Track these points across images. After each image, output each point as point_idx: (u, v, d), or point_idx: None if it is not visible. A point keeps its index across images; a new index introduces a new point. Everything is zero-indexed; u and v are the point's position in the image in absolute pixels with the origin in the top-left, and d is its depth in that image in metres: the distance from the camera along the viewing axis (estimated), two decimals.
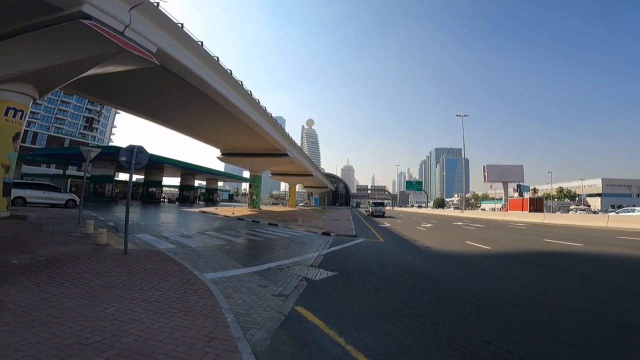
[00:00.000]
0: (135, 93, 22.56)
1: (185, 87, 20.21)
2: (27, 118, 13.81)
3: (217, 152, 43.36)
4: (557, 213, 42.47)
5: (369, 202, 49.29)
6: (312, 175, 68.75)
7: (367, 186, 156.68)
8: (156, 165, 44.63)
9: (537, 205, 44.24)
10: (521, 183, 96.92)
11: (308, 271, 7.06)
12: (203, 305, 4.21)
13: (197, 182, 72.39)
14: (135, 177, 58.40)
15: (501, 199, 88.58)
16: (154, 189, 51.29)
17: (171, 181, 75.47)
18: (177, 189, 70.09)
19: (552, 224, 25.68)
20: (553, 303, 5.02)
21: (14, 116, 12.76)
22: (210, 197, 66.58)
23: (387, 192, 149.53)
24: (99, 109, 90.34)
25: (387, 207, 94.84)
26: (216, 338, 3.27)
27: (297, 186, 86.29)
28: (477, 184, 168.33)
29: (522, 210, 41.13)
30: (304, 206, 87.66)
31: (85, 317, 3.53)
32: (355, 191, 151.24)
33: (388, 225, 23.72)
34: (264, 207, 50.94)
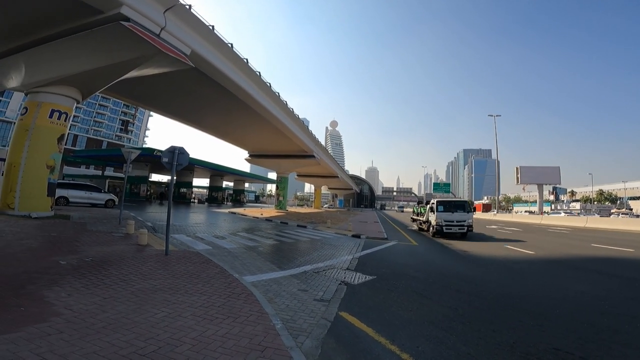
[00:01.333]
0: (168, 95, 23.43)
1: (215, 89, 20.72)
2: (70, 120, 14.59)
3: (244, 153, 44.21)
4: (596, 216, 39.96)
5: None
6: (337, 176, 68.51)
7: (392, 188, 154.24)
8: (188, 166, 45.95)
9: (487, 208, 75.41)
10: (557, 185, 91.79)
11: (345, 275, 6.91)
12: (249, 310, 4.17)
13: (224, 184, 74.18)
14: (166, 179, 60.68)
15: (535, 201, 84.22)
16: (184, 189, 53.02)
17: (200, 182, 77.82)
18: (206, 190, 72.12)
19: (595, 228, 24.03)
20: (617, 310, 4.62)
21: (59, 118, 13.43)
22: (237, 198, 67.96)
23: (414, 194, 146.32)
24: (134, 112, 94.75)
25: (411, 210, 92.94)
26: (269, 347, 3.19)
27: (322, 188, 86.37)
28: (508, 186, 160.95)
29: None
30: (329, 208, 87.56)
31: (137, 323, 3.55)
32: (380, 193, 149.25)
33: (417, 228, 23.08)
34: (289, 209, 51.31)
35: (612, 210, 73.40)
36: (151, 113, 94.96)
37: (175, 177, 8.55)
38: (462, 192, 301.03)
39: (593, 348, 3.29)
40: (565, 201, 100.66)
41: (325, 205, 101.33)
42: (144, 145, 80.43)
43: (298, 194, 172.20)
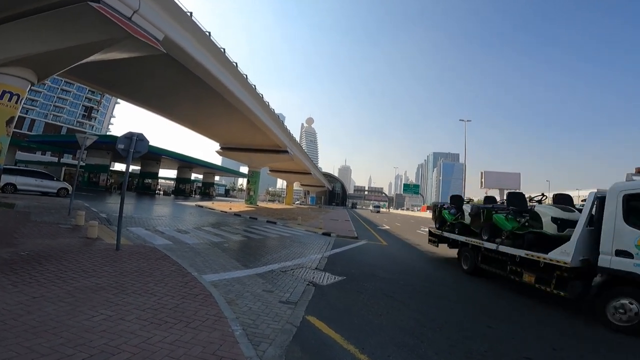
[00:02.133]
0: (137, 82, 22.00)
1: (189, 77, 19.76)
2: (23, 103, 13.31)
3: (215, 146, 42.77)
4: None
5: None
6: (310, 173, 68.26)
7: (364, 187, 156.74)
8: (153, 156, 43.88)
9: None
10: (517, 191, 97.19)
11: (314, 275, 6.62)
12: (206, 314, 3.74)
13: (193, 176, 71.59)
14: (130, 168, 57.58)
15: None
16: (149, 180, 50.49)
17: (167, 173, 74.57)
18: (173, 182, 69.29)
19: None
20: (584, 317, 4.63)
21: (9, 100, 12.28)
22: (206, 191, 65.82)
23: (384, 194, 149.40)
24: (99, 99, 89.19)
25: (384, 210, 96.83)
26: (225, 357, 2.81)
27: (294, 184, 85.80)
28: (474, 190, 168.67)
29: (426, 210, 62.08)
30: (300, 204, 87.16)
31: (68, 327, 3.04)
32: (352, 191, 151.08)
33: (388, 227, 23.36)
34: (260, 204, 50.36)
35: None
36: (118, 100, 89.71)
37: (131, 165, 7.82)
38: (430, 194, 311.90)
39: (565, 357, 3.26)
40: None
41: (297, 202, 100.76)
42: (108, 133, 75.62)
43: (270, 189, 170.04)
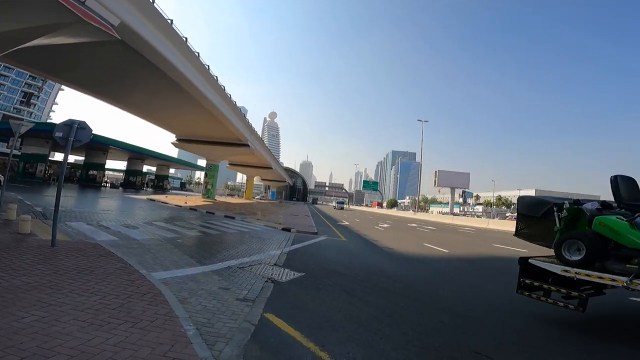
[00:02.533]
0: (85, 68, 20.08)
1: (145, 66, 18.46)
2: None
3: (171, 137, 40.56)
4: (496, 219, 46.37)
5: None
6: (271, 168, 67.42)
7: (325, 183, 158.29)
8: (99, 146, 40.49)
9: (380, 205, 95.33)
10: (466, 189, 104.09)
11: (273, 271, 6.50)
12: (155, 313, 3.48)
13: (146, 168, 67.41)
14: (73, 158, 52.70)
15: (448, 203, 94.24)
16: (95, 172, 46.58)
17: (116, 165, 69.47)
18: (122, 174, 64.73)
19: (495, 229, 27.55)
20: (525, 310, 5.01)
21: None
22: (159, 184, 62.33)
23: (344, 190, 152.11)
24: (40, 85, 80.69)
25: (345, 206, 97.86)
26: (177, 359, 2.62)
27: (254, 178, 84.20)
28: (427, 188, 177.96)
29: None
30: (260, 199, 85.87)
31: None
32: (313, 187, 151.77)
33: (347, 223, 23.76)
34: (219, 198, 48.78)
35: (506, 214, 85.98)
36: (62, 87, 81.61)
37: (71, 157, 7.11)
38: (388, 191, 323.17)
39: (509, 352, 3.44)
40: (471, 204, 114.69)
41: (257, 197, 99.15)
42: (49, 121, 68.49)
43: (229, 183, 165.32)
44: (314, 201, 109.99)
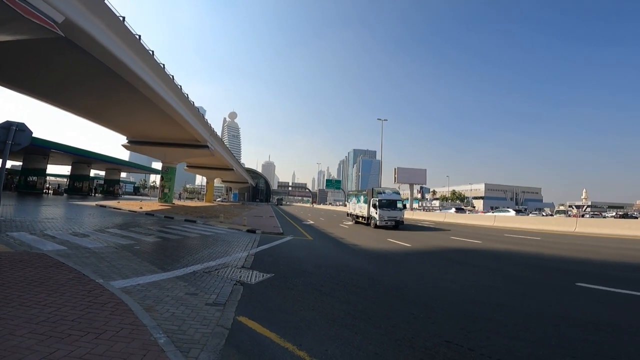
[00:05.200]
0: (24, 68, 18.16)
1: (93, 65, 17.13)
2: None
3: (122, 139, 37.90)
4: (451, 212, 49.14)
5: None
6: (232, 169, 65.62)
7: (288, 183, 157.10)
8: (39, 150, 36.68)
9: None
10: (424, 185, 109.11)
11: (241, 273, 6.34)
12: (119, 323, 3.24)
13: (93, 172, 62.48)
14: (10, 164, 47.37)
15: (407, 199, 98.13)
16: (34, 178, 42.21)
17: (59, 170, 63.66)
18: (66, 179, 59.37)
19: (452, 222, 29.18)
20: (483, 298, 5.35)
21: None
22: (110, 189, 58.03)
23: (308, 189, 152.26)
24: None
25: (308, 205, 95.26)
26: None
27: (215, 180, 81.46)
28: (387, 185, 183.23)
29: None
30: (222, 201, 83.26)
31: None
32: (276, 187, 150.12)
33: (312, 222, 23.84)
34: (177, 202, 46.50)
35: (461, 207, 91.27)
36: None
37: (10, 161, 6.40)
38: (351, 189, 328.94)
39: (476, 338, 3.61)
40: (428, 199, 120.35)
41: (218, 199, 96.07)
42: None
43: (188, 186, 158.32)
44: (279, 202, 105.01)
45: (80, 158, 45.94)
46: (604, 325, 4.08)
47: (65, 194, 47.16)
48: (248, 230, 14.54)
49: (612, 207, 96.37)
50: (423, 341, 3.48)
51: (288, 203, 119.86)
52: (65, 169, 58.33)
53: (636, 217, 32.52)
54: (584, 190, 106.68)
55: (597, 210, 70.60)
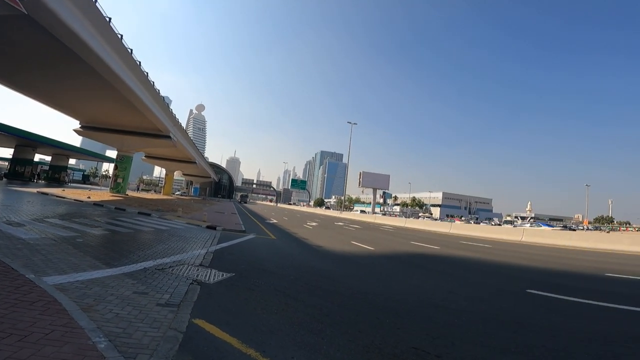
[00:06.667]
0: None
1: (54, 47, 15.76)
2: None
3: (74, 123, 34.82)
4: (411, 219, 51.00)
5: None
6: (195, 162, 62.97)
7: (252, 180, 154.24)
8: None
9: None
10: (386, 190, 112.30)
11: (198, 272, 5.89)
12: (50, 324, 2.75)
13: (39, 157, 56.93)
14: None
15: (370, 203, 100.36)
16: None
17: (0, 152, 57.36)
18: (7, 163, 53.55)
19: (411, 227, 30.15)
20: (445, 303, 5.39)
21: None
22: (55, 175, 53.19)
23: (272, 188, 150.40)
24: None
25: (272, 204, 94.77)
26: None
27: (175, 173, 77.69)
28: (352, 188, 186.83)
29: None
30: (181, 195, 79.65)
31: None
32: (240, 184, 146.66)
33: (276, 221, 23.40)
34: (131, 193, 43.61)
35: (419, 214, 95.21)
36: None
37: None
38: (316, 190, 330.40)
39: (442, 345, 3.55)
40: (390, 204, 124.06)
41: (177, 193, 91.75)
42: None
43: (145, 177, 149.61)
44: (243, 199, 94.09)
45: (25, 140, 41.71)
46: (559, 332, 4.23)
47: (4, 179, 42.43)
48: (208, 227, 13.85)
49: (553, 219, 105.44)
50: (391, 348, 3.35)
51: (252, 201, 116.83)
52: (8, 152, 52.60)
53: (574, 230, 35.67)
54: (529, 202, 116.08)
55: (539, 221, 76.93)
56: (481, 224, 41.78)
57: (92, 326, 2.94)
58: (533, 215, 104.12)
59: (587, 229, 51.31)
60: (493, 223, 61.99)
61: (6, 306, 3.05)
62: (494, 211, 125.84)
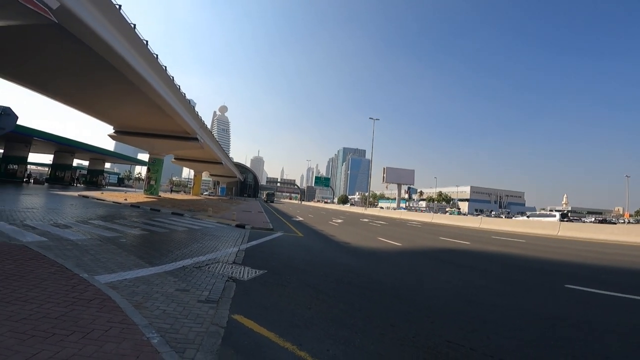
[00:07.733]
0: (9, 53, 17.47)
1: (84, 53, 16.68)
2: None
3: (108, 128, 36.78)
4: (439, 214, 49.79)
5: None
6: (221, 163, 64.69)
7: (276, 179, 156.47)
8: (21, 137, 35.22)
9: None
10: (411, 186, 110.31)
11: (232, 269, 6.16)
12: (108, 321, 3.03)
13: (77, 162, 60.62)
14: None
15: (395, 199, 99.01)
16: (15, 166, 40.62)
17: (41, 158, 61.63)
18: (48, 168, 57.52)
19: (439, 223, 29.52)
20: (478, 298, 5.34)
21: None
22: (93, 179, 56.40)
23: (296, 186, 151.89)
24: None
25: (296, 201, 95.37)
26: None
27: (202, 174, 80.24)
28: (376, 184, 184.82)
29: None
30: (209, 195, 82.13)
31: None
32: (264, 183, 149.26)
33: (301, 219, 23.69)
34: (163, 194, 45.57)
35: (446, 209, 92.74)
36: None
37: None
38: (339, 187, 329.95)
39: (476, 338, 3.56)
40: (415, 199, 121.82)
41: (205, 193, 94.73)
42: None
43: (174, 178, 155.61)
44: (270, 198, 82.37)
45: (64, 147, 44.52)
46: (598, 326, 4.10)
47: (46, 184, 45.64)
48: (237, 225, 14.29)
49: (591, 212, 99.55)
50: (425, 340, 3.41)
51: (278, 200, 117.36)
52: (48, 158, 56.45)
53: (614, 223, 33.59)
54: (565, 195, 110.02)
55: (577, 215, 72.91)
56: (513, 218, 40.20)
57: (144, 322, 3.19)
58: (569, 208, 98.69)
59: (629, 222, 48.10)
60: (514, 216, 59.52)
61: (66, 304, 3.37)
62: (526, 205, 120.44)
